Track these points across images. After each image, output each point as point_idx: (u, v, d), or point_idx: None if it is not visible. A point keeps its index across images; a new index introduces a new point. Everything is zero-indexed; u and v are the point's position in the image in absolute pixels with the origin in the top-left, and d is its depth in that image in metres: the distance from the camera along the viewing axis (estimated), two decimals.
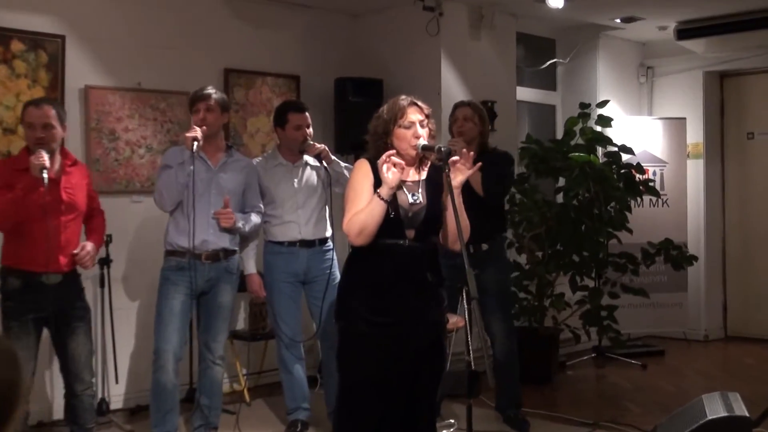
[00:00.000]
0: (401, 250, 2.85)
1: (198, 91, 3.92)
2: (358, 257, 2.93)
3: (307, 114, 4.19)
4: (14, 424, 0.96)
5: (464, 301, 3.87)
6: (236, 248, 3.99)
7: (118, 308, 4.77)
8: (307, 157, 4.23)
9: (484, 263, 4.16)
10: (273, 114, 4.34)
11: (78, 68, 4.68)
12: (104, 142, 4.83)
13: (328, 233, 4.25)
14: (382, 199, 2.79)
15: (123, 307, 4.86)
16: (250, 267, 4.22)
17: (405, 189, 2.90)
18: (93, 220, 3.78)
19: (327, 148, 4.12)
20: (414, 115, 2.87)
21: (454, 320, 3.94)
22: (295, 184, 4.21)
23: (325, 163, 4.09)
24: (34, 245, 3.44)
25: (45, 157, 3.38)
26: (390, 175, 2.77)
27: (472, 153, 2.85)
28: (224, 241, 3.90)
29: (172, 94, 5.04)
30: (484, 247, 4.23)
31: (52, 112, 3.50)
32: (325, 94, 5.62)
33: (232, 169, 3.97)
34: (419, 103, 2.91)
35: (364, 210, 2.81)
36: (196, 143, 3.70)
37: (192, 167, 3.71)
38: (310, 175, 4.24)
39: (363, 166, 2.91)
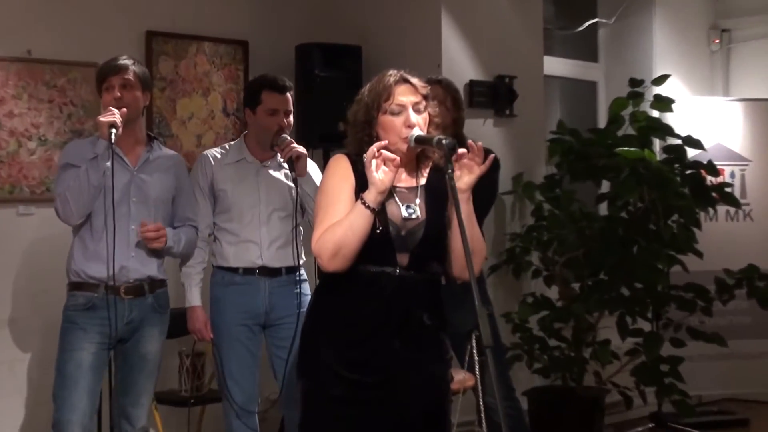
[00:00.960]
0: (390, 280, 2.88)
1: (110, 61, 3.96)
2: (331, 289, 2.97)
3: (288, 96, 4.26)
4: None
5: (474, 351, 3.97)
6: (165, 278, 4.05)
7: (1, 362, 4.79)
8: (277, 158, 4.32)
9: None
10: (244, 91, 4.39)
11: None
12: None
13: (301, 260, 4.27)
14: (368, 207, 2.82)
15: (5, 360, 4.85)
16: (194, 297, 4.26)
17: (397, 198, 2.93)
18: None
19: (306, 154, 4.17)
20: (405, 97, 2.91)
21: (460, 378, 3.97)
22: (260, 191, 4.25)
23: (295, 174, 4.15)
24: None
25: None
26: (380, 174, 2.80)
27: (480, 144, 2.88)
28: (150, 268, 3.96)
29: (74, 67, 5.04)
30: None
31: None
32: (283, 66, 5.53)
33: (156, 168, 4.02)
34: (413, 80, 2.95)
35: (342, 222, 2.84)
36: (114, 131, 3.73)
37: (109, 163, 3.74)
38: (282, 181, 4.29)
39: (340, 163, 2.96)
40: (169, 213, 4.05)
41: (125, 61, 3.93)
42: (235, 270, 4.24)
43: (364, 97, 2.95)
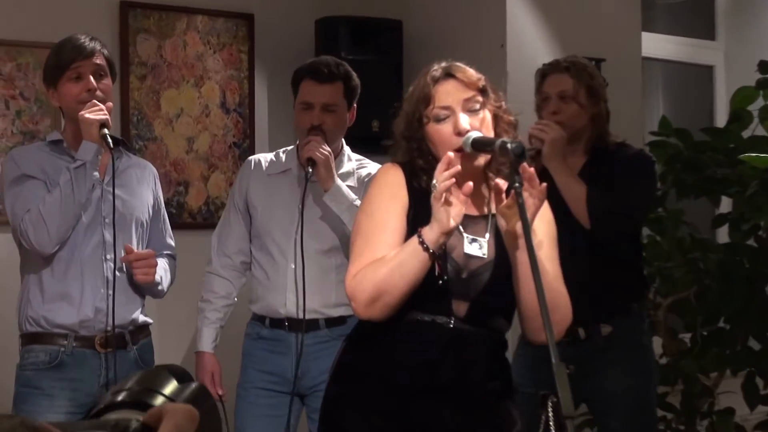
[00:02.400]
0: (442, 334, 2.93)
1: (70, 42, 3.96)
2: (364, 340, 3.07)
3: (330, 87, 4.25)
4: None
5: (550, 423, 3.86)
6: (150, 322, 4.09)
7: None
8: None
9: (605, 357, 4.20)
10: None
11: None
12: None
13: (350, 309, 4.20)
14: (427, 248, 2.82)
15: None
16: (203, 340, 4.34)
17: (462, 228, 2.96)
18: None
19: (326, 159, 4.13)
20: (450, 96, 2.96)
21: None
22: (296, 213, 4.20)
23: (314, 178, 4.14)
24: None
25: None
26: (451, 210, 2.80)
27: (532, 170, 2.85)
28: (132, 311, 3.97)
29: (26, 48, 5.02)
30: (605, 329, 4.27)
31: None
32: (300, 46, 5.67)
33: (129, 180, 4.06)
34: (458, 72, 2.98)
35: (388, 261, 2.88)
36: (107, 131, 3.79)
37: (97, 174, 3.81)
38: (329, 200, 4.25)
39: (389, 177, 3.04)
40: (143, 238, 4.09)
41: (93, 42, 3.95)
42: (261, 320, 4.29)
43: (404, 105, 3.05)
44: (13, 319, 3.99)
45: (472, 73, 2.99)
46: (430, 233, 2.82)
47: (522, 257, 2.82)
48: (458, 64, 3.01)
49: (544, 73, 4.36)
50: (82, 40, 3.93)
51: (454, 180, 2.80)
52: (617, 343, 4.27)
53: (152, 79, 5.44)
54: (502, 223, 2.87)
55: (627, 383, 4.26)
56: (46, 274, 3.87)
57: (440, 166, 2.81)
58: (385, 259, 2.88)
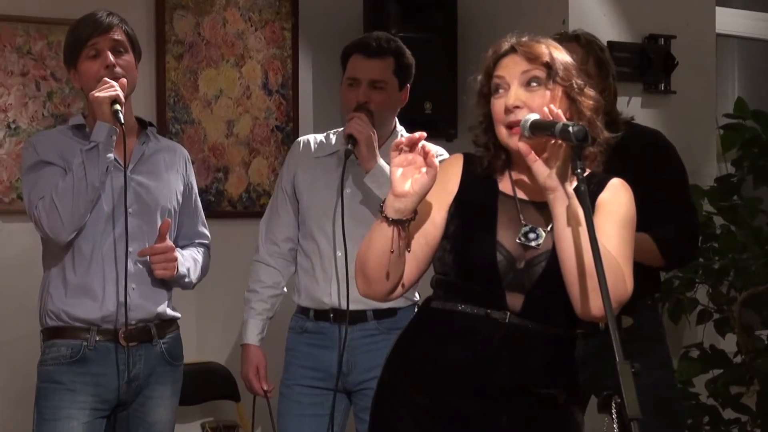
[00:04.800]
0: (496, 330, 2.85)
1: (86, 17, 3.91)
2: (417, 337, 3.01)
3: (377, 62, 4.19)
4: None
5: (614, 425, 3.71)
6: (177, 315, 4.05)
7: None
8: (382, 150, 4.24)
9: (627, 350, 4.11)
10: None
11: None
12: None
13: (402, 301, 4.10)
14: (384, 216, 2.83)
15: None
16: (248, 332, 4.32)
17: (522, 217, 2.91)
18: None
19: (367, 137, 4.08)
20: (506, 69, 2.89)
21: None
22: (344, 199, 4.14)
23: (354, 155, 4.09)
24: None
25: None
26: (398, 174, 2.79)
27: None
28: (158, 304, 3.92)
29: (57, 26, 4.95)
30: (627, 321, 4.24)
31: None
32: (347, 22, 5.66)
33: (156, 166, 4.01)
34: (523, 45, 2.90)
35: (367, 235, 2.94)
36: (119, 107, 3.70)
37: (111, 155, 3.74)
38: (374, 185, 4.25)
39: (445, 165, 2.99)
40: (173, 226, 4.07)
41: (110, 17, 3.90)
42: (306, 312, 4.25)
43: (474, 80, 2.99)
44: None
45: (538, 46, 2.87)
46: (387, 199, 2.84)
47: (558, 210, 2.73)
48: (526, 38, 2.91)
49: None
50: (99, 15, 3.89)
51: (417, 138, 2.76)
52: (639, 336, 4.20)
53: (190, 59, 5.39)
54: (540, 172, 2.75)
55: (652, 376, 4.09)
56: (67, 266, 3.85)
57: (405, 138, 2.80)
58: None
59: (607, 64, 4.25)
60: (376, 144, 4.09)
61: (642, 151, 4.22)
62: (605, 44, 4.36)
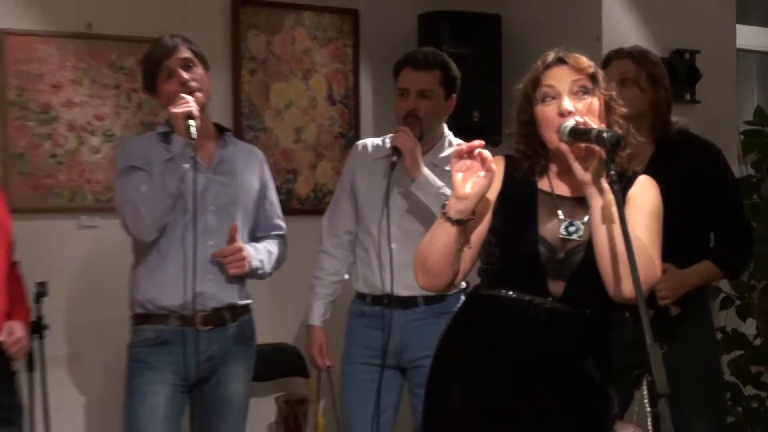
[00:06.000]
0: (539, 314, 2.90)
1: (153, 44, 4.04)
2: (467, 320, 3.07)
3: (425, 74, 4.29)
4: None
5: (644, 400, 3.91)
6: (250, 301, 4.16)
7: (59, 407, 4.84)
8: (432, 153, 4.34)
9: (674, 335, 4.06)
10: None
11: None
12: (31, 126, 4.96)
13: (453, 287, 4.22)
14: (447, 216, 2.88)
15: (65, 406, 4.96)
16: (312, 314, 4.45)
17: (560, 212, 2.96)
18: (9, 278, 3.96)
19: (411, 148, 4.16)
20: (557, 78, 2.92)
21: None
22: (392, 197, 4.23)
23: (399, 165, 4.17)
24: None
25: None
26: (467, 176, 2.85)
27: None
28: (231, 294, 4.04)
29: (144, 44, 4.82)
30: (674, 310, 4.20)
31: None
32: (403, 40, 5.67)
33: (235, 167, 4.11)
34: (570, 59, 2.95)
35: (428, 232, 2.97)
36: (192, 123, 3.80)
37: (187, 165, 3.81)
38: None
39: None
40: (251, 222, 4.17)
41: (174, 39, 4.01)
42: (363, 298, 4.38)
43: (520, 89, 3.00)
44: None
45: (583, 59, 2.94)
46: (449, 200, 2.87)
47: (594, 202, 2.82)
48: (572, 52, 2.97)
49: (609, 59, 4.30)
50: (164, 40, 4.00)
51: (476, 146, 2.82)
52: (686, 322, 4.19)
53: (262, 73, 5.53)
54: (578, 169, 2.83)
55: (698, 359, 4.19)
56: (152, 260, 3.96)
57: (466, 146, 2.84)
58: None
59: (660, 78, 4.23)
60: (419, 154, 4.16)
61: (695, 158, 4.20)
62: (659, 59, 4.36)
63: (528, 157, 3.00)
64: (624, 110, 2.96)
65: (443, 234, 2.88)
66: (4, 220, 3.95)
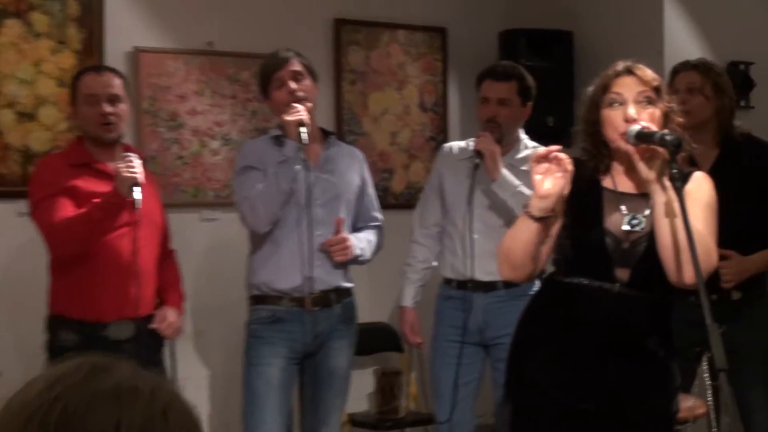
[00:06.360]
0: (608, 298, 3.03)
1: (269, 57, 4.20)
2: (543, 300, 3.22)
3: (503, 84, 4.43)
4: None
5: (705, 375, 4.16)
6: (352, 285, 4.34)
7: (186, 377, 4.93)
8: (510, 155, 4.45)
9: (735, 316, 4.20)
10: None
11: (123, 23, 5.11)
12: (161, 131, 5.26)
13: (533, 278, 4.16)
14: (529, 214, 2.98)
15: (192, 376, 5.13)
16: (404, 296, 4.62)
17: (623, 207, 3.07)
18: (165, 266, 4.22)
19: (493, 152, 4.29)
20: (624, 87, 3.00)
21: (689, 405, 4.05)
22: (474, 193, 4.36)
23: (481, 167, 4.31)
24: (98, 285, 3.92)
25: (136, 165, 3.84)
26: (547, 178, 2.94)
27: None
28: (337, 278, 4.23)
29: (258, 59, 4.99)
30: (735, 294, 4.25)
31: (117, 81, 4.02)
32: (485, 54, 5.80)
33: (338, 165, 4.27)
34: (638, 70, 3.03)
35: (511, 228, 3.13)
36: (304, 130, 3.94)
37: (299, 167, 4.00)
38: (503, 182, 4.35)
39: None
40: (353, 215, 4.31)
41: (287, 53, 4.15)
42: (449, 283, 4.55)
43: (589, 92, 3.09)
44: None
45: (649, 72, 3.01)
46: (531, 199, 2.96)
47: (657, 198, 2.89)
48: (639, 64, 3.03)
49: (676, 71, 4.39)
50: (278, 53, 4.16)
51: (553, 150, 2.92)
52: (747, 304, 4.21)
53: (361, 84, 5.77)
54: (643, 168, 2.91)
55: (759, 337, 4.21)
56: (267, 248, 4.12)
57: (542, 150, 2.95)
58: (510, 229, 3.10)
59: (724, 87, 4.26)
60: (499, 157, 4.26)
61: (758, 158, 4.22)
62: (723, 70, 4.41)
63: (593, 156, 3.08)
64: (681, 120, 3.03)
65: (526, 230, 2.98)
66: (156, 215, 4.12)
